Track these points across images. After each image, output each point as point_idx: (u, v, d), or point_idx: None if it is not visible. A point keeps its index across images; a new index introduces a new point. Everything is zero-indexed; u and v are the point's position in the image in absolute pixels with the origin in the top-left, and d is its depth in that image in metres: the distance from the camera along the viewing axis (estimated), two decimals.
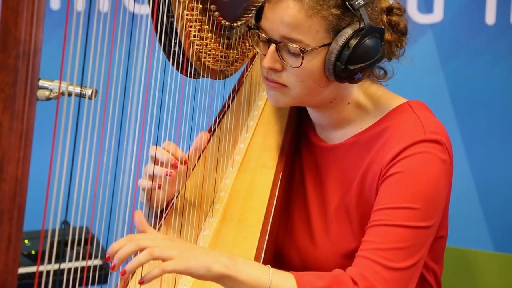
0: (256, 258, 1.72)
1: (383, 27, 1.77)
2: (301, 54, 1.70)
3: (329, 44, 1.71)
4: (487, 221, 3.08)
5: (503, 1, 3.00)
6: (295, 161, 1.92)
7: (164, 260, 1.54)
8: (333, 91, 1.79)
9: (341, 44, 1.69)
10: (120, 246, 1.53)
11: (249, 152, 1.93)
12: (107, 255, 1.53)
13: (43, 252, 1.36)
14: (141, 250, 1.54)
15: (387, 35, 1.78)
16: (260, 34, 1.76)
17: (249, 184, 1.87)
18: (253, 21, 1.82)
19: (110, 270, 1.55)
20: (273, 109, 1.98)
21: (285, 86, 1.75)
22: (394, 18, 1.80)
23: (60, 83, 1.43)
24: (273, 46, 1.73)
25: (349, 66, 1.70)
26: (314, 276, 1.64)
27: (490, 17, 3.01)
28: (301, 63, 1.71)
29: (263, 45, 1.78)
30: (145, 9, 1.65)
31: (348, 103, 1.82)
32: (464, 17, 3.01)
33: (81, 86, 1.46)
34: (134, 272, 1.71)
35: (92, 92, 1.48)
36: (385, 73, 1.87)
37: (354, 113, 1.83)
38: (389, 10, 1.79)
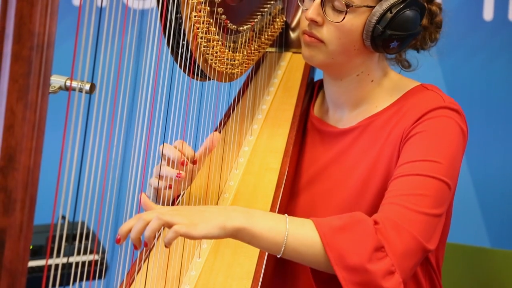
0: (260, 258, 1.73)
1: None
2: (346, 9, 1.76)
3: (372, 7, 1.77)
4: (484, 216, 3.09)
5: None
6: (303, 159, 1.94)
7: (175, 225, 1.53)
8: (363, 62, 1.85)
9: (385, 8, 1.76)
10: (129, 226, 1.53)
11: (253, 155, 1.95)
12: (117, 237, 1.54)
13: (46, 247, 1.37)
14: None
15: (424, 20, 1.85)
16: None
17: (253, 186, 1.88)
18: None
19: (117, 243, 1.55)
20: (277, 113, 2.00)
21: (322, 42, 1.80)
22: (433, 8, 1.88)
23: (72, 78, 1.45)
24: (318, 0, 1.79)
25: (388, 30, 1.76)
26: (331, 218, 1.64)
27: (488, 13, 3.04)
28: (344, 17, 1.77)
29: (308, 0, 1.83)
30: (147, 4, 1.66)
31: (372, 81, 1.87)
32: (462, 13, 3.04)
33: (80, 81, 1.47)
34: (140, 269, 1.73)
35: (90, 87, 1.49)
36: (408, 64, 1.93)
37: (373, 92, 1.88)
38: (429, 0, 1.87)
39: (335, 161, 1.88)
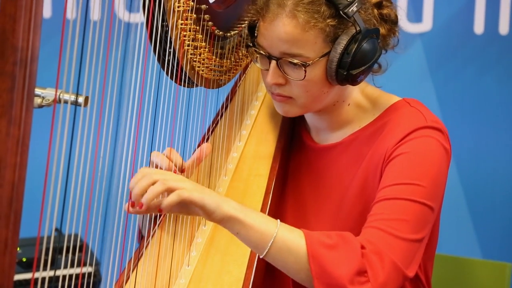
0: (249, 266, 1.73)
1: (376, 22, 1.78)
2: (304, 68, 1.72)
3: (328, 53, 1.73)
4: (475, 228, 3.10)
5: (491, 10, 3.03)
6: (289, 167, 1.94)
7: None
8: (336, 94, 1.82)
9: (340, 52, 1.72)
10: (135, 182, 1.58)
11: (242, 161, 1.94)
12: (132, 200, 1.58)
13: (38, 259, 1.36)
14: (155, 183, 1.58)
15: (381, 30, 1.80)
16: (259, 51, 1.78)
17: (242, 193, 1.88)
18: (247, 38, 1.84)
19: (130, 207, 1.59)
20: (266, 119, 2.00)
21: (291, 98, 1.78)
22: (385, 11, 1.82)
23: (56, 91, 1.44)
24: (274, 62, 1.75)
25: (351, 71, 1.73)
26: (321, 233, 1.65)
27: (479, 27, 3.04)
28: (304, 76, 1.73)
29: (262, 60, 1.79)
30: (137, 18, 1.66)
31: (349, 104, 1.85)
32: (453, 27, 3.04)
33: (73, 94, 1.47)
34: (129, 278, 1.72)
35: (84, 100, 1.49)
36: (379, 66, 1.88)
37: (353, 114, 1.86)
38: (379, 5, 1.81)
39: (321, 175, 1.88)
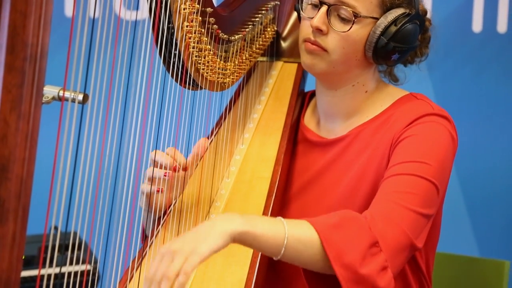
0: (251, 267, 1.74)
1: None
2: (353, 19, 1.78)
3: (377, 19, 1.79)
4: (473, 226, 3.11)
5: (489, 9, 3.05)
6: (294, 168, 1.95)
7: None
8: (361, 73, 1.86)
9: (390, 20, 1.79)
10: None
11: (244, 164, 1.95)
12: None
13: (38, 257, 1.37)
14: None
15: (419, 35, 1.86)
16: None
17: (244, 195, 1.89)
18: None
19: None
20: (269, 122, 2.01)
21: (325, 51, 1.81)
22: (426, 23, 1.90)
23: (64, 89, 1.45)
24: (324, 7, 1.80)
25: (391, 42, 1.79)
26: (324, 217, 1.65)
27: (477, 25, 3.06)
28: (350, 27, 1.79)
29: (311, 8, 1.84)
30: (139, 16, 1.66)
31: (366, 91, 1.89)
32: (451, 25, 3.06)
33: (73, 91, 1.48)
34: (132, 277, 1.73)
35: (83, 97, 1.50)
36: (397, 79, 1.95)
37: (365, 103, 1.89)
38: (424, 15, 1.88)
39: (326, 169, 1.90)
